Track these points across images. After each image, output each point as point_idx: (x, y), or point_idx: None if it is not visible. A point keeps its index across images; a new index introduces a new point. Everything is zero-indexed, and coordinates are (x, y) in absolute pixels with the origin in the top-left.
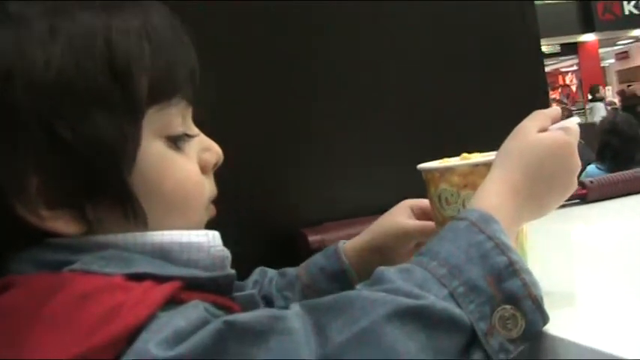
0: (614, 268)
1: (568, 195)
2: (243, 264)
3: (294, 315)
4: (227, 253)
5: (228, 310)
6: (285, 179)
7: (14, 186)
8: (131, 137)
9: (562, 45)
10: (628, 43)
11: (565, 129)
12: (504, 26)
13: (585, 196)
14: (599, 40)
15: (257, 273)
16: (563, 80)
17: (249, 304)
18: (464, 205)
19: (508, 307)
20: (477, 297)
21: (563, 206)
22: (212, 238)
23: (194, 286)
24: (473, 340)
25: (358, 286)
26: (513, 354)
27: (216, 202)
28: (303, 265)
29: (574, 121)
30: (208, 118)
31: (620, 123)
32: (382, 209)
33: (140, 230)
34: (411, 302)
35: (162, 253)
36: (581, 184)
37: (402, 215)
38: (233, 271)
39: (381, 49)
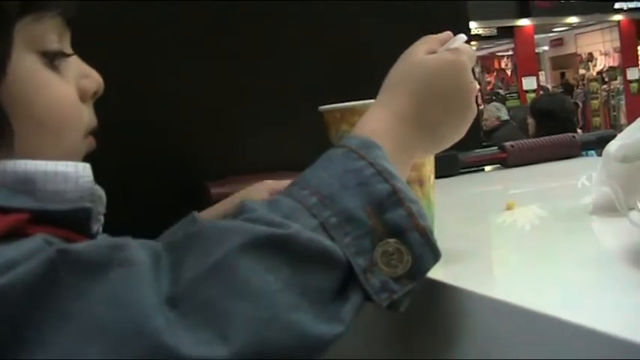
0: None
1: (467, 121)
2: (147, 214)
3: (139, 245)
4: (99, 190)
5: None
6: (190, 132)
7: None
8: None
9: (498, 29)
10: (562, 31)
11: (454, 50)
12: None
13: (505, 159)
14: (535, 26)
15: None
16: (499, 64)
17: None
18: None
19: (392, 240)
20: (354, 229)
21: (481, 169)
22: (81, 169)
23: (44, 221)
24: (350, 277)
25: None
26: (398, 294)
27: (121, 152)
28: (165, 233)
29: (462, 39)
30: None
31: (552, 104)
32: (286, 164)
33: (6, 152)
34: (271, 231)
35: (26, 184)
36: (502, 147)
37: (258, 194)
38: (88, 205)
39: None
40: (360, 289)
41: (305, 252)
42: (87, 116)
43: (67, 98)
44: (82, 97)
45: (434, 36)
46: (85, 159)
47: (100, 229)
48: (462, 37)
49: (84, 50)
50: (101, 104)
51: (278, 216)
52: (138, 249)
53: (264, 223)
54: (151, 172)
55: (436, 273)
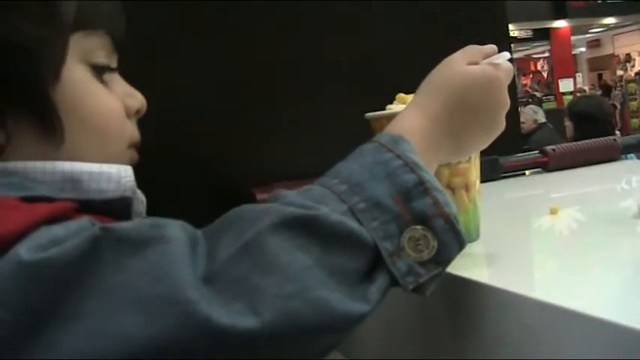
0: (574, 232)
1: (493, 135)
2: (191, 221)
3: (179, 226)
4: (140, 194)
5: None
6: (236, 139)
7: None
8: (54, 48)
9: (534, 30)
10: (599, 32)
11: (495, 65)
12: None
13: (546, 164)
14: (571, 27)
15: None
16: (535, 66)
17: None
18: None
19: (418, 227)
20: (381, 214)
21: (522, 173)
22: (124, 171)
23: (89, 210)
24: (378, 261)
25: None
26: (424, 278)
27: (166, 160)
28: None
29: (505, 57)
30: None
31: (590, 107)
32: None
33: (55, 152)
34: (300, 211)
35: (73, 182)
36: (543, 151)
37: None
38: (129, 194)
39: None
40: (386, 272)
41: (333, 233)
42: (130, 130)
43: (114, 109)
44: (127, 113)
45: (478, 47)
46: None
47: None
48: (506, 54)
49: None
50: (147, 112)
51: (309, 200)
52: (177, 228)
53: (296, 206)
54: (197, 179)
55: (480, 275)
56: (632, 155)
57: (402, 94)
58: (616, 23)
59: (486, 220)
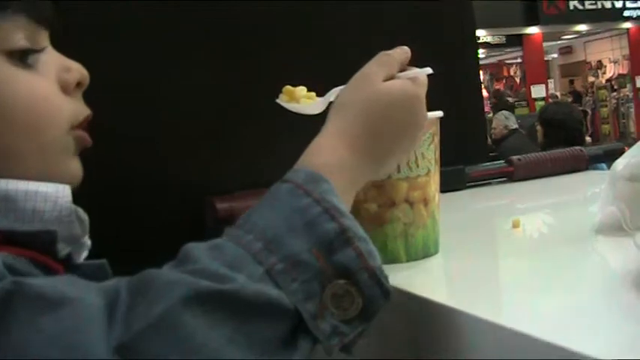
0: (534, 250)
1: (410, 152)
2: (152, 229)
3: (96, 288)
4: (81, 213)
5: (48, 269)
6: (196, 147)
7: None
8: None
9: (507, 36)
10: (572, 39)
11: (414, 79)
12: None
13: (512, 173)
14: (544, 34)
15: None
16: (508, 72)
17: (95, 273)
18: None
19: (341, 282)
20: (302, 273)
21: (488, 183)
22: (61, 190)
23: (12, 241)
24: (300, 324)
25: (165, 266)
26: (349, 337)
27: (125, 165)
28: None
29: (425, 72)
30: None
31: (559, 114)
32: None
33: None
34: (214, 286)
35: (7, 202)
36: (509, 161)
37: None
38: (52, 229)
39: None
40: (309, 335)
41: (250, 306)
42: (70, 109)
43: (37, 93)
44: (65, 89)
45: (392, 55)
46: (84, 173)
47: (86, 253)
48: (428, 70)
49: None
50: (100, 117)
51: (222, 266)
52: (93, 292)
53: (208, 277)
54: (154, 188)
55: (440, 294)
56: (604, 165)
57: (289, 87)
58: (588, 30)
59: (447, 233)
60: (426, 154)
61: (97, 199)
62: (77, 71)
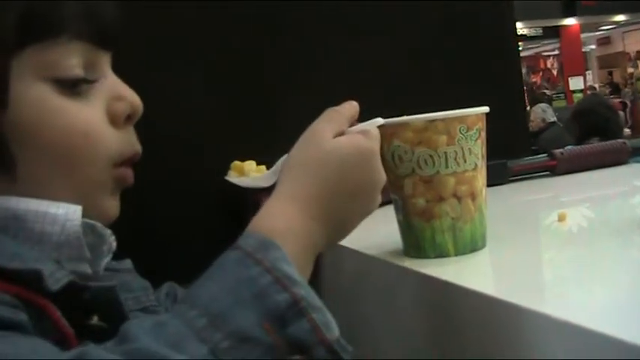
0: (580, 243)
1: (372, 210)
2: (190, 221)
3: None
4: (101, 228)
5: (32, 306)
6: (237, 140)
7: None
8: None
9: (544, 28)
10: (610, 29)
11: (365, 132)
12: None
13: (555, 167)
14: (581, 25)
15: (166, 286)
16: (545, 64)
17: (103, 299)
18: (418, 164)
19: (296, 357)
20: (251, 350)
21: (531, 177)
22: (72, 212)
23: (1, 275)
24: None
25: (108, 343)
26: None
27: (169, 155)
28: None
29: (375, 123)
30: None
31: (596, 105)
32: None
33: (7, 184)
34: None
35: (16, 221)
36: (551, 155)
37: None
38: (38, 268)
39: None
40: None
41: None
42: (114, 145)
43: (78, 126)
44: (114, 121)
45: (339, 111)
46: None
47: (109, 258)
48: (379, 120)
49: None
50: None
51: (163, 346)
52: None
53: (146, 358)
54: (191, 177)
55: (489, 287)
56: None
57: (237, 163)
58: (626, 20)
59: (493, 227)
60: (473, 149)
61: (135, 186)
62: (129, 102)
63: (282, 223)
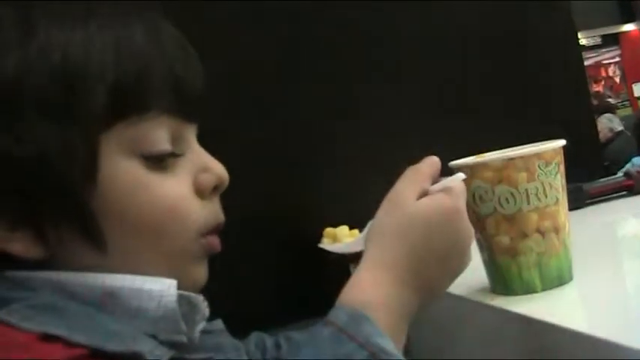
0: None
1: (463, 270)
2: (263, 268)
3: None
4: (193, 298)
5: None
6: (302, 180)
7: None
8: (84, 152)
9: (603, 36)
10: None
11: (447, 189)
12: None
13: (632, 187)
14: None
15: (254, 337)
16: (606, 72)
17: None
18: (499, 202)
19: None
20: None
21: (608, 199)
22: (167, 287)
23: (101, 355)
24: None
25: None
26: None
27: (240, 207)
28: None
29: (458, 179)
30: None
31: None
32: None
33: (102, 258)
34: None
35: (112, 298)
36: (628, 174)
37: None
38: (140, 350)
39: (403, 57)
40: None
41: None
42: (201, 216)
43: (165, 203)
44: (200, 193)
45: (419, 169)
46: None
47: (203, 324)
48: (460, 175)
49: None
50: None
51: None
52: None
53: None
54: (269, 225)
55: (581, 323)
56: None
57: (330, 230)
58: None
59: (577, 255)
60: (553, 183)
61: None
62: (215, 174)
63: (372, 294)
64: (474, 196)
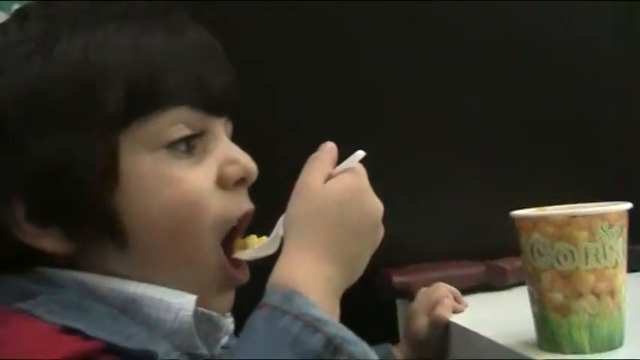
0: None
1: (378, 241)
2: None
3: None
4: (215, 317)
5: None
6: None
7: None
8: (104, 151)
9: None
10: None
11: (350, 169)
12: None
13: None
14: None
15: None
16: None
17: None
18: (557, 259)
19: None
20: None
21: None
22: (185, 302)
23: (115, 351)
24: None
25: None
26: None
27: None
28: None
29: (357, 158)
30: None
31: None
32: (468, 254)
33: (125, 260)
34: None
35: (134, 305)
36: None
37: (436, 293)
38: (152, 350)
39: (476, 93)
40: None
41: None
42: (223, 204)
43: (189, 197)
44: (222, 183)
45: (320, 157)
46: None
47: (226, 339)
48: (359, 154)
49: None
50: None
51: None
52: None
53: None
54: None
55: None
56: None
57: (239, 240)
58: None
59: (631, 321)
60: (614, 245)
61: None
62: (242, 167)
63: (299, 272)
64: (532, 248)
